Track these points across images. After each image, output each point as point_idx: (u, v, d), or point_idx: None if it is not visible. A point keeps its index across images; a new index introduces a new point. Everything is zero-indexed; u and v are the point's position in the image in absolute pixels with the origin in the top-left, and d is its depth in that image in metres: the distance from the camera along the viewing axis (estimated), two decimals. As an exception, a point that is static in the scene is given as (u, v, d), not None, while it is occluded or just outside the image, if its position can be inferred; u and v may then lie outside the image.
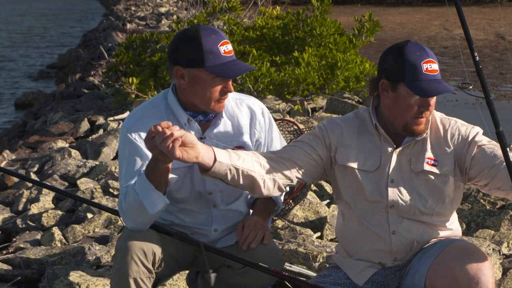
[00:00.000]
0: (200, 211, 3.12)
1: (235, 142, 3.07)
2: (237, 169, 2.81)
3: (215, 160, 2.76)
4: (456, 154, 2.92)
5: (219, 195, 3.11)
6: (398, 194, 2.91)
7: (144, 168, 2.91)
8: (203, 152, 2.73)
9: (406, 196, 2.91)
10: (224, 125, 3.09)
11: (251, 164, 2.85)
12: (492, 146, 2.88)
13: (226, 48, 2.95)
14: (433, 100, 2.86)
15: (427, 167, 2.91)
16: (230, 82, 2.99)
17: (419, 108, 2.84)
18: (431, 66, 2.82)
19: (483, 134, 2.95)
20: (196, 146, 2.70)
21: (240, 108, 3.14)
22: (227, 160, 2.79)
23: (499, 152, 2.82)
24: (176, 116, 3.04)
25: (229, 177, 2.81)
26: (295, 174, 2.94)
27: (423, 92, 2.79)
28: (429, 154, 2.92)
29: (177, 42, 2.99)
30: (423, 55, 2.82)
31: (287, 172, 2.92)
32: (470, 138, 2.91)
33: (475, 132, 2.93)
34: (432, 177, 2.92)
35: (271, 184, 2.90)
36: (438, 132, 2.95)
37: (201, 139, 2.99)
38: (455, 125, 2.95)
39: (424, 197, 2.92)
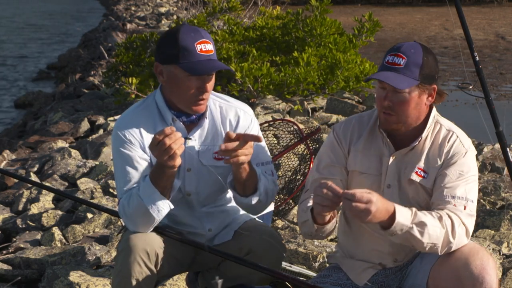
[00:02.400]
0: (187, 213, 3.11)
1: (217, 147, 3.00)
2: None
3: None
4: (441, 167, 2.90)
5: (195, 197, 3.08)
6: (393, 200, 2.90)
7: (140, 169, 2.90)
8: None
9: (400, 202, 2.89)
10: (209, 127, 3.05)
11: None
12: (457, 182, 2.82)
13: (203, 47, 2.91)
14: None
15: (414, 176, 2.90)
16: (209, 83, 2.94)
17: None
18: None
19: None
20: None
21: (227, 112, 3.08)
22: None
23: (457, 190, 2.80)
24: (162, 115, 3.01)
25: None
26: None
27: None
28: (421, 164, 2.91)
29: (160, 39, 3.00)
30: None
31: None
32: (455, 158, 2.87)
33: (462, 153, 2.88)
34: (419, 187, 2.91)
35: None
36: (438, 144, 2.92)
37: (186, 139, 2.94)
38: (455, 141, 2.91)
39: (413, 205, 2.90)
